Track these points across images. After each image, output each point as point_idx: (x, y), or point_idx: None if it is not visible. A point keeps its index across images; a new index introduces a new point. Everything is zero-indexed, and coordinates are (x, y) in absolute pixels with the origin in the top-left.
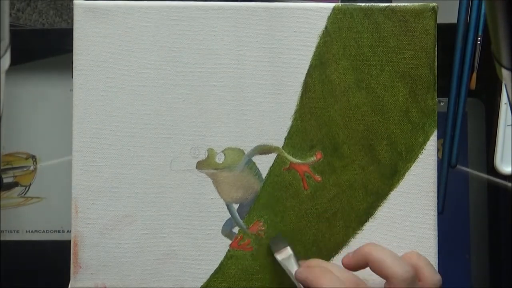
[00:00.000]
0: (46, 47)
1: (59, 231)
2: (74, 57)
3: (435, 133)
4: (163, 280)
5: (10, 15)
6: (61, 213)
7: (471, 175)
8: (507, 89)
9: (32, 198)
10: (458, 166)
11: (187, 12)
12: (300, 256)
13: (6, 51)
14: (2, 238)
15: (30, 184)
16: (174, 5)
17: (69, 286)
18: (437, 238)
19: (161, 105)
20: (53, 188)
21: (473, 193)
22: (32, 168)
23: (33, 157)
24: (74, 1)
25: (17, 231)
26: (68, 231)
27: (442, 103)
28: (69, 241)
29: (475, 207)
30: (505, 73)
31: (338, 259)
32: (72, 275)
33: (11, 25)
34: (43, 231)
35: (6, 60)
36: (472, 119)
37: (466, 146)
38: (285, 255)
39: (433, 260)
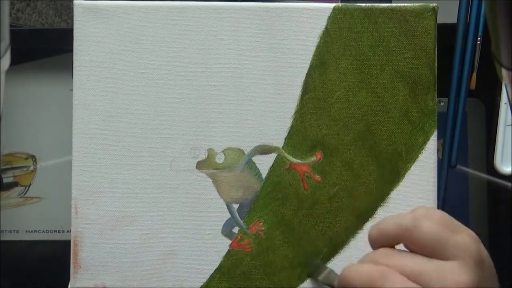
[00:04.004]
0: (46, 47)
1: (58, 231)
2: (74, 57)
3: (435, 133)
4: (163, 280)
5: (10, 15)
6: (61, 213)
7: (471, 175)
8: (507, 89)
9: (32, 198)
10: (458, 166)
11: (187, 12)
12: (298, 256)
13: (6, 51)
14: (2, 238)
15: (30, 184)
16: (174, 5)
17: (69, 286)
18: None
19: (161, 105)
20: (53, 188)
21: (473, 193)
22: (32, 168)
23: (33, 157)
24: (74, 1)
25: (17, 231)
26: (68, 231)
27: (442, 103)
28: (69, 241)
29: (475, 207)
30: (505, 73)
31: (338, 259)
32: (72, 275)
33: (11, 25)
34: (43, 231)
35: (6, 60)
36: (472, 119)
37: (466, 146)
38: (325, 273)
39: None
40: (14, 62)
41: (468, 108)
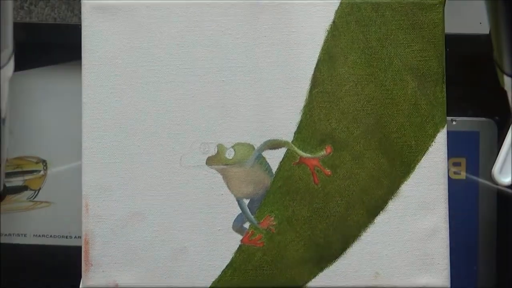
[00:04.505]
0: (58, 42)
1: (66, 237)
2: (83, 54)
3: (445, 125)
4: (175, 276)
5: (23, 8)
6: (69, 219)
7: (481, 184)
8: (509, 96)
9: (41, 202)
10: (468, 175)
11: (195, 9)
12: (309, 251)
13: (9, 59)
14: (10, 241)
15: (40, 189)
16: (182, 2)
17: (81, 284)
18: (448, 230)
19: (170, 101)
20: (62, 193)
21: (482, 204)
22: (42, 172)
23: (44, 162)
24: None
25: (25, 235)
26: (75, 237)
27: (454, 122)
28: (77, 247)
29: (484, 218)
30: (506, 80)
31: (350, 253)
32: (83, 273)
33: (22, 21)
34: (51, 236)
35: (10, 68)
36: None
37: (478, 157)
38: None
39: (445, 252)
40: (28, 58)
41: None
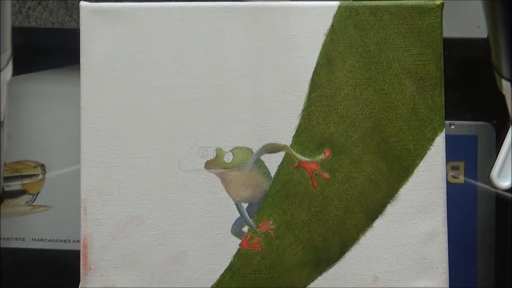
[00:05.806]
0: (56, 46)
1: (65, 241)
2: (81, 59)
3: (443, 129)
4: (174, 280)
5: (21, 12)
6: (67, 223)
7: (480, 188)
8: (507, 100)
9: (39, 206)
10: (466, 179)
11: (194, 13)
12: (308, 255)
13: (8, 62)
14: (8, 245)
15: (38, 193)
16: (180, 6)
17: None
18: (447, 234)
19: (168, 105)
20: (61, 197)
21: (481, 208)
22: (40, 176)
23: (42, 166)
24: (81, 3)
25: (23, 239)
26: (74, 241)
27: (452, 126)
28: (75, 251)
29: (483, 222)
30: (505, 83)
31: (348, 257)
32: (82, 277)
33: (21, 25)
34: (49, 240)
35: (8, 71)
36: (483, 143)
37: (476, 162)
38: None
39: (444, 256)
40: (27, 64)
41: (478, 131)
